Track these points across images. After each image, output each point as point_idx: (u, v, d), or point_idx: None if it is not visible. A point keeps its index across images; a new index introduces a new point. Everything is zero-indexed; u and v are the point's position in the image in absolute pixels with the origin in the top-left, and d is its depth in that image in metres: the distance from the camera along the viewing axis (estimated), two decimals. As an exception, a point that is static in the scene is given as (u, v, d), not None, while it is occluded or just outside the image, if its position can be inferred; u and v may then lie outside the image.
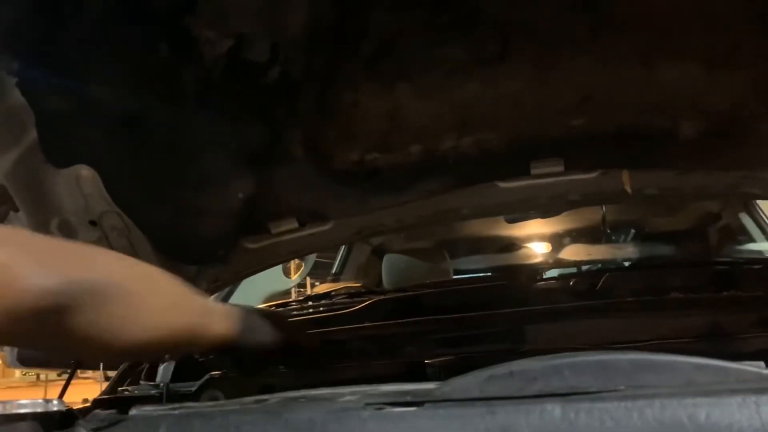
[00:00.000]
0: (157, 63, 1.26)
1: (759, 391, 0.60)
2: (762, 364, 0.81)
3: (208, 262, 1.59)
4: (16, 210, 1.24)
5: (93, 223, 1.32)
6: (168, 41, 1.24)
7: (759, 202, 2.93)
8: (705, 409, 0.59)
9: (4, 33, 1.05)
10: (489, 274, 3.01)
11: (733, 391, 0.61)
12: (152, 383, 1.37)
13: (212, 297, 1.98)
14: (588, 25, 1.30)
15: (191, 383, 1.33)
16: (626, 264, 2.79)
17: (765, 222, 2.85)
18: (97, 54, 1.17)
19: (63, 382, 1.39)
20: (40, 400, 0.76)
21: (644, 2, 1.27)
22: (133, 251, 1.38)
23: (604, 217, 2.81)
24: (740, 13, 1.27)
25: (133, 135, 1.29)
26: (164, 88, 1.30)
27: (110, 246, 1.34)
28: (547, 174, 1.59)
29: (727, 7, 1.26)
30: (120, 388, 1.41)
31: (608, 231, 3.03)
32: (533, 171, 1.58)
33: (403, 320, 1.48)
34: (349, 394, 0.77)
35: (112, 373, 1.55)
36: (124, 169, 1.31)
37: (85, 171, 1.24)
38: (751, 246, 2.79)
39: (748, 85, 1.37)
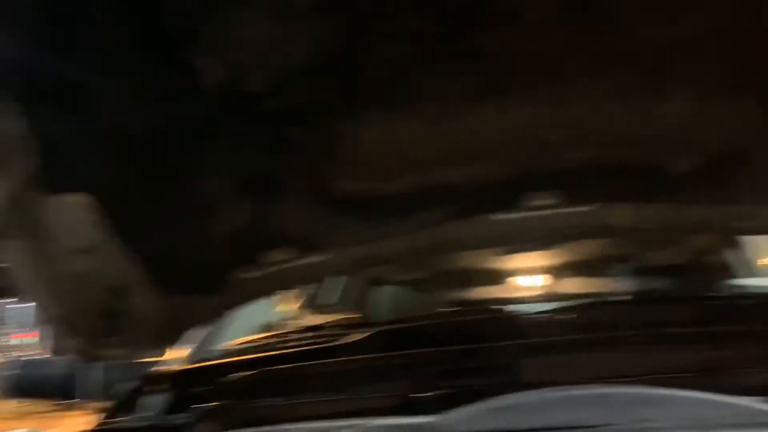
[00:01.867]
0: (161, 91, 1.26)
1: (756, 425, 0.59)
2: (760, 399, 0.81)
3: (203, 292, 1.58)
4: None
5: (88, 251, 1.32)
6: (169, 70, 1.25)
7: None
8: (705, 446, 0.59)
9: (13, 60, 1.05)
10: (485, 307, 3.00)
11: (732, 426, 0.60)
12: (144, 415, 1.36)
13: (206, 326, 1.97)
14: (588, 58, 1.31)
15: (185, 415, 1.31)
16: (623, 298, 2.78)
17: (752, 257, 2.87)
18: (101, 83, 1.18)
19: (58, 413, 1.38)
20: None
21: (641, 38, 1.29)
22: (129, 280, 1.37)
23: (600, 251, 2.82)
24: (734, 49, 1.29)
25: (131, 163, 1.29)
26: (166, 116, 1.30)
27: (106, 275, 1.34)
28: (545, 207, 1.59)
29: (720, 42, 1.28)
30: (112, 420, 1.39)
31: (605, 264, 3.03)
32: (531, 204, 1.59)
33: (398, 353, 1.47)
34: (346, 427, 0.76)
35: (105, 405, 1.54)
36: (120, 197, 1.31)
37: (80, 198, 1.23)
38: (743, 281, 2.80)
39: (741, 121, 1.38)
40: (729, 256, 2.95)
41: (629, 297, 2.73)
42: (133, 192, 1.31)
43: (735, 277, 2.87)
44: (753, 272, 2.84)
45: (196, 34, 1.24)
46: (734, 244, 2.94)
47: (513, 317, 1.80)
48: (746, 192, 1.51)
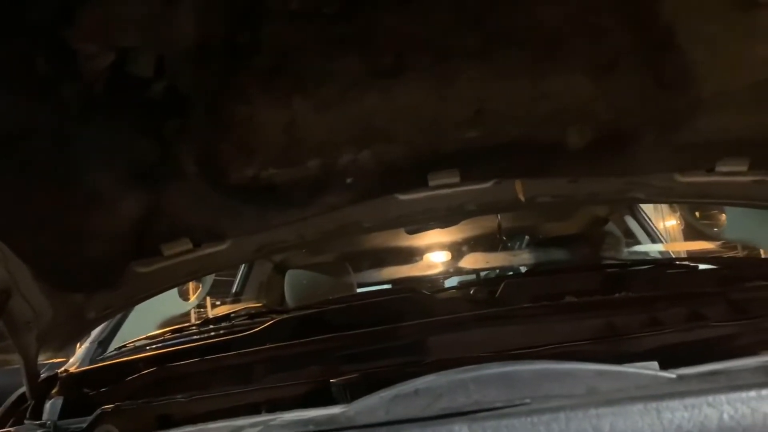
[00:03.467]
0: (35, 78, 1.17)
1: (658, 397, 0.61)
2: (656, 364, 0.84)
3: (96, 289, 1.50)
4: None
5: (-34, 255, 1.23)
6: (45, 54, 1.17)
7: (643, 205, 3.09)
8: (609, 420, 0.60)
9: None
10: (392, 286, 3.03)
11: (634, 399, 0.62)
12: (38, 422, 1.28)
13: (102, 325, 1.88)
14: (479, 39, 1.32)
15: (82, 419, 1.24)
16: (523, 270, 2.87)
17: (648, 224, 3.01)
18: None
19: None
20: None
21: (531, 16, 1.30)
22: (11, 281, 1.28)
23: (499, 225, 2.89)
24: (621, 24, 1.33)
25: (8, 156, 1.20)
26: (42, 103, 1.21)
27: (-13, 276, 1.25)
28: (445, 185, 1.61)
29: (609, 19, 1.31)
30: (2, 430, 1.31)
31: (504, 238, 3.12)
32: (431, 183, 1.60)
33: (305, 339, 1.45)
34: (249, 426, 0.73)
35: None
36: None
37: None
38: (637, 248, 2.94)
39: (631, 96, 1.43)
40: (623, 225, 3.09)
41: (529, 269, 2.82)
42: (8, 187, 1.22)
43: (630, 245, 3.02)
44: (644, 240, 2.98)
45: (73, 16, 1.15)
46: (628, 214, 3.08)
47: (417, 296, 1.81)
48: (638, 164, 1.58)
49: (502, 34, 1.32)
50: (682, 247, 3.21)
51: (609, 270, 1.99)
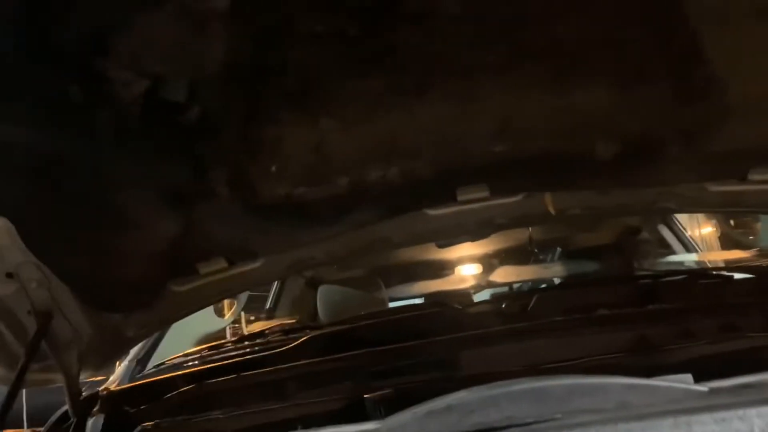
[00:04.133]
0: (71, 105, 1.21)
1: (689, 411, 0.61)
2: (689, 377, 0.84)
3: (134, 309, 1.54)
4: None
5: (9, 275, 1.27)
6: (80, 83, 1.21)
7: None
8: (639, 434, 0.60)
9: None
10: (423, 300, 3.03)
11: (665, 413, 0.62)
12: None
13: (141, 343, 1.92)
14: (502, 54, 1.33)
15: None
16: (555, 282, 2.85)
17: (682, 233, 2.98)
18: (6, 97, 1.12)
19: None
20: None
21: (555, 31, 1.31)
22: (53, 302, 1.32)
23: (530, 238, 2.88)
24: (646, 36, 1.33)
25: (48, 181, 1.24)
26: (79, 131, 1.25)
27: (29, 298, 1.29)
28: (474, 200, 1.62)
29: (634, 31, 1.32)
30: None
31: (536, 250, 3.10)
32: (460, 197, 1.61)
33: (339, 355, 1.46)
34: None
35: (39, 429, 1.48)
36: (39, 216, 1.26)
37: (-3, 223, 1.18)
38: (671, 258, 2.90)
39: (657, 106, 1.43)
40: (656, 234, 3.06)
41: (561, 281, 2.80)
42: (48, 212, 1.26)
43: (662, 255, 2.98)
44: (678, 249, 2.95)
45: (107, 45, 1.19)
46: (661, 223, 3.05)
47: (449, 311, 1.82)
48: (667, 174, 1.57)
49: (525, 49, 1.33)
50: (717, 257, 3.16)
51: (642, 281, 1.98)
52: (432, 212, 1.66)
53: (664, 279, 1.96)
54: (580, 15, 1.27)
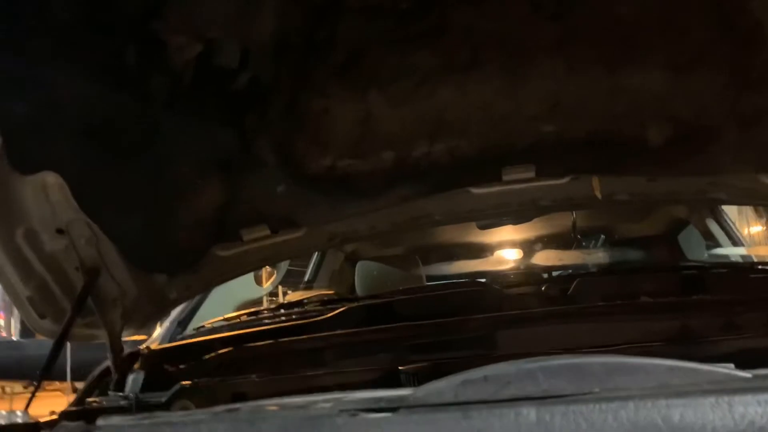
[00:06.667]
0: (125, 68, 1.24)
1: (731, 391, 0.61)
2: (732, 365, 0.82)
3: (178, 271, 1.57)
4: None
5: (60, 231, 1.30)
6: (135, 46, 1.23)
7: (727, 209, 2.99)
8: (679, 410, 0.60)
9: None
10: (462, 280, 3.02)
11: (706, 392, 0.61)
12: (121, 394, 1.35)
13: (182, 305, 1.96)
14: (556, 33, 1.31)
15: (161, 393, 1.30)
16: (596, 269, 2.82)
17: (731, 228, 2.91)
18: (63, 59, 1.15)
19: (29, 395, 1.36)
20: (4, 412, 0.74)
21: (610, 12, 1.29)
22: (101, 260, 1.35)
23: (574, 223, 2.84)
24: (702, 21, 1.30)
25: (101, 142, 1.27)
26: (133, 93, 1.27)
27: (78, 255, 1.32)
28: (519, 180, 1.60)
29: (689, 15, 1.28)
30: (88, 399, 1.38)
31: (578, 237, 3.07)
32: (505, 177, 1.59)
33: (376, 327, 1.48)
34: (322, 401, 0.76)
35: (80, 385, 1.52)
36: (92, 176, 1.29)
37: (51, 178, 1.21)
38: (717, 250, 2.84)
39: (711, 92, 1.40)
40: (704, 228, 2.99)
41: (603, 268, 2.76)
42: (101, 172, 1.29)
43: (708, 247, 2.92)
44: (726, 245, 2.88)
45: (164, 8, 1.21)
46: (706, 215, 2.98)
47: (488, 290, 1.81)
48: (719, 163, 1.53)
49: (579, 29, 1.31)
50: (764, 252, 3.09)
51: (686, 272, 1.94)
52: (476, 191, 1.65)
53: (711, 270, 1.92)
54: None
